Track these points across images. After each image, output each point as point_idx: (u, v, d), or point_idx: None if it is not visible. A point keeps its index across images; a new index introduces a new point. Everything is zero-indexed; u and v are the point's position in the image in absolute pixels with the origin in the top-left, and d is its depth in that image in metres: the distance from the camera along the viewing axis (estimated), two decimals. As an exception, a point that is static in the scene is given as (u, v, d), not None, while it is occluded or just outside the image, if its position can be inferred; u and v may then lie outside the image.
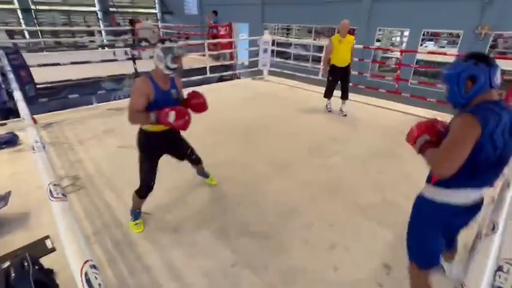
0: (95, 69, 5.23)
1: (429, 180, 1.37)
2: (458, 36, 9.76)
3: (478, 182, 1.24)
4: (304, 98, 5.73)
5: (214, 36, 8.88)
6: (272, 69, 7.31)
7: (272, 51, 7.27)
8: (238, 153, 3.37)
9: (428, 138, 1.30)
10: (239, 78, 8.07)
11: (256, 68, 7.51)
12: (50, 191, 0.81)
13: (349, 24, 4.37)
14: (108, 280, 1.72)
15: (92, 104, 4.86)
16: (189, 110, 1.93)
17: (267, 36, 7.02)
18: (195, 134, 3.28)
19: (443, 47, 13.42)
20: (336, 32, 4.61)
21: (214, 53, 7.76)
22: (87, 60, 5.04)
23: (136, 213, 2.20)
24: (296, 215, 2.35)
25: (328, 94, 4.78)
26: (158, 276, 1.76)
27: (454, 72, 1.25)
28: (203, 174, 2.69)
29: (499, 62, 1.24)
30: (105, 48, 8.96)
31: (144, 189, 2.12)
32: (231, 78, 7.92)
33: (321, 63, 4.87)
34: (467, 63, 1.22)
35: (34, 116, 4.16)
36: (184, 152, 2.33)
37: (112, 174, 2.88)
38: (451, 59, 9.30)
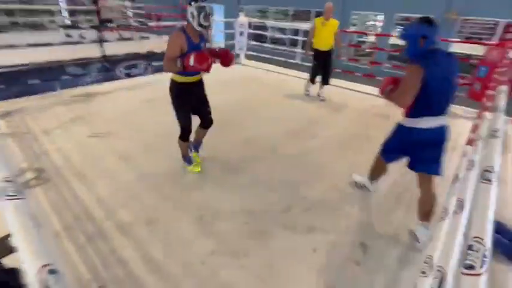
0: (57, 52, 4.81)
1: (404, 115, 1.88)
2: (429, 20, 10.00)
3: (433, 111, 1.74)
4: (282, 83, 5.69)
5: (188, 18, 8.47)
6: (249, 53, 7.16)
7: (249, 34, 7.09)
8: (213, 140, 3.30)
9: (391, 87, 1.83)
10: (215, 62, 7.82)
11: (232, 52, 7.32)
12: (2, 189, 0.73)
13: (333, 7, 4.27)
14: (81, 275, 1.64)
15: (55, 90, 4.51)
16: (214, 59, 2.22)
17: (242, 19, 6.81)
18: (167, 121, 3.17)
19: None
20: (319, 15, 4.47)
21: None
22: (48, 42, 4.63)
23: (188, 159, 2.67)
24: (275, 199, 2.36)
25: (312, 79, 4.70)
26: (135, 269, 1.71)
27: (412, 33, 1.71)
28: (198, 144, 2.79)
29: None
30: (68, 29, 8.26)
31: (185, 134, 2.49)
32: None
33: (305, 47, 4.81)
34: (420, 25, 1.69)
35: (-10, 104, 3.82)
36: (204, 108, 2.55)
37: (82, 166, 2.72)
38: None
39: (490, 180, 0.88)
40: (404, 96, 1.68)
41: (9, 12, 11.72)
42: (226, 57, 2.37)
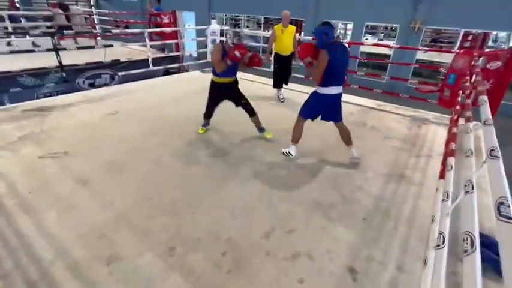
0: (5, 61, 4.31)
1: (318, 85, 2.71)
2: (394, 30, 10.50)
3: (336, 82, 2.66)
4: (256, 91, 5.54)
5: (157, 25, 8.16)
6: (222, 61, 6.96)
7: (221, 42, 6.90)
8: (187, 154, 3.04)
9: (310, 60, 2.68)
10: (188, 71, 7.55)
11: (205, 60, 7.09)
12: None
13: (289, 14, 4.53)
14: None
15: (3, 104, 4.01)
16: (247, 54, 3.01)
17: (214, 26, 6.63)
18: (133, 135, 2.86)
19: (382, 40, 14.48)
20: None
21: (158, 43, 7.09)
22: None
23: (204, 123, 3.59)
24: (254, 221, 2.15)
25: (277, 84, 4.92)
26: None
27: (319, 31, 2.56)
28: (260, 129, 3.46)
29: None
30: (18, 36, 7.53)
31: (207, 116, 3.49)
32: (178, 71, 7.36)
33: (266, 53, 5.06)
34: (323, 26, 2.56)
35: None
36: (238, 100, 3.33)
37: (30, 193, 2.34)
38: (390, 51, 10.01)
39: (510, 218, 0.74)
40: (317, 73, 2.58)
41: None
42: (255, 58, 3.14)
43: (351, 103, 4.94)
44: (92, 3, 18.03)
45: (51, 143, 3.16)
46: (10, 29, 7.25)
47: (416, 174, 2.87)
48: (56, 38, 4.74)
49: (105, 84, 5.66)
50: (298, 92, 5.38)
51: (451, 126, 3.16)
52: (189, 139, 3.40)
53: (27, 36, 7.96)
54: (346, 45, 2.75)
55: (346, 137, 2.95)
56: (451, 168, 1.93)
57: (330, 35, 2.54)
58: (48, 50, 4.19)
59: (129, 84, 5.54)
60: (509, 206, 0.77)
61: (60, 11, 7.84)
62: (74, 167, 2.73)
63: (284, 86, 5.01)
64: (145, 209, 2.23)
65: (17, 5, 14.50)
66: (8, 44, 6.44)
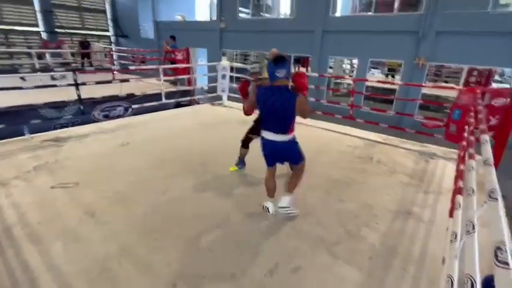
0: (29, 95, 4.62)
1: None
2: (399, 64, 10.82)
3: (269, 128, 2.36)
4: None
5: (172, 61, 8.66)
6: (231, 94, 7.24)
7: (231, 76, 7.24)
8: (195, 187, 3.08)
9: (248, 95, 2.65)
10: (198, 103, 7.85)
11: (215, 94, 7.39)
12: None
13: (277, 51, 4.79)
14: None
15: (23, 135, 4.22)
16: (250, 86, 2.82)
17: (225, 62, 7.00)
18: (140, 167, 2.93)
19: (387, 74, 14.88)
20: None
21: (171, 78, 7.50)
22: (20, 86, 4.43)
23: (239, 161, 3.51)
24: (259, 256, 2.11)
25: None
26: None
27: (268, 67, 2.25)
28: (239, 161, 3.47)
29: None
30: (43, 72, 8.14)
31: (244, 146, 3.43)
32: (189, 103, 7.67)
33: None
34: (271, 62, 2.20)
35: None
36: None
37: (40, 224, 2.39)
38: (396, 87, 10.24)
39: (507, 264, 0.74)
40: (244, 107, 2.59)
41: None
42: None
43: (357, 136, 4.98)
44: (112, 41, 19.44)
45: (63, 173, 3.27)
46: (37, 66, 7.84)
47: (425, 211, 2.81)
48: (76, 73, 5.09)
49: (119, 116, 5.91)
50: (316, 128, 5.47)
51: (458, 162, 3.13)
52: (196, 172, 3.46)
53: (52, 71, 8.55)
54: (291, 93, 2.21)
55: (292, 182, 2.55)
56: (459, 206, 1.90)
57: (271, 74, 2.19)
58: (70, 84, 4.49)
59: (142, 116, 5.78)
60: (506, 251, 0.77)
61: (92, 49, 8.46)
62: (83, 198, 2.79)
63: None
64: (150, 242, 2.23)
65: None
66: (52, 78, 7.01)
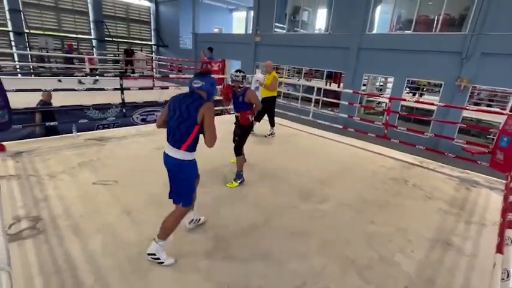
0: (79, 97, 5.03)
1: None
2: (436, 85, 10.34)
3: (168, 137, 2.01)
4: (293, 137, 5.67)
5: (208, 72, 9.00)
6: (263, 106, 7.34)
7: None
8: (224, 193, 3.13)
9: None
10: (230, 113, 8.04)
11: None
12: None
13: (271, 63, 5.43)
14: None
15: (71, 132, 4.58)
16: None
17: (259, 75, 7.13)
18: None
19: (423, 95, 14.26)
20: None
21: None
22: (72, 88, 4.85)
23: (238, 175, 3.41)
24: (286, 272, 2.08)
25: (258, 119, 5.55)
26: None
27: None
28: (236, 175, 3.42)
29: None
30: (94, 77, 8.88)
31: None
32: (221, 112, 7.88)
33: None
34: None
35: (4, 143, 3.85)
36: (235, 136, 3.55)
37: (82, 217, 2.55)
38: (434, 107, 9.77)
39: None
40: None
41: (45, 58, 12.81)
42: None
43: (391, 157, 4.80)
44: (153, 50, 20.68)
45: (104, 171, 3.48)
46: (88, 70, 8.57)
47: (467, 243, 2.61)
48: (122, 79, 5.47)
49: (155, 121, 6.24)
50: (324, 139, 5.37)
51: (506, 193, 2.89)
52: (225, 178, 3.52)
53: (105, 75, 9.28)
54: (201, 99, 1.99)
55: (166, 224, 2.06)
56: (511, 242, 1.75)
57: (189, 84, 2.07)
58: (115, 89, 4.83)
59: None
60: None
61: (135, 57, 9.12)
62: (121, 196, 2.94)
63: (272, 126, 5.60)
64: (180, 246, 2.29)
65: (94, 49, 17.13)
66: (80, 82, 7.70)
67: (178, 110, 1.95)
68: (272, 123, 5.59)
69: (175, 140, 1.96)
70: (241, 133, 3.45)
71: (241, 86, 3.37)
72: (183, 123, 1.93)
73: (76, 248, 2.16)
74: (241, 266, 2.12)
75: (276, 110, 7.31)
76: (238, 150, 3.39)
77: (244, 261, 2.18)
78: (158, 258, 2.03)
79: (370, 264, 2.24)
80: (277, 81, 5.37)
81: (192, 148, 1.98)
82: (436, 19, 10.09)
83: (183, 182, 2.03)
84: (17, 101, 4.33)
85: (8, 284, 1.07)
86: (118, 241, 2.28)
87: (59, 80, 8.10)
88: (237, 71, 3.35)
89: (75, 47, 15.37)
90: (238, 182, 3.36)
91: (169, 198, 2.11)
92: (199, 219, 2.57)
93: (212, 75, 2.24)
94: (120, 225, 2.48)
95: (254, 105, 3.38)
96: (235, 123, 3.65)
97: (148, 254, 2.04)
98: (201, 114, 1.91)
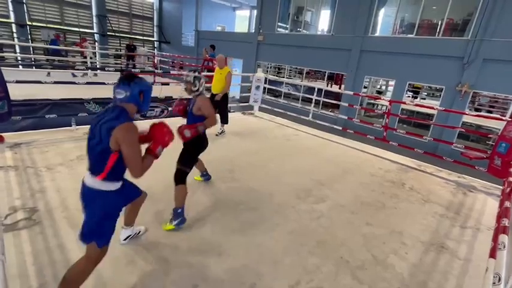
0: (79, 90, 5.03)
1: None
2: (437, 89, 10.35)
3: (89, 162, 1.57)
4: (292, 137, 5.68)
5: (209, 69, 9.01)
6: (262, 105, 7.34)
7: (264, 88, 7.36)
8: (222, 191, 3.13)
9: None
10: (230, 111, 8.04)
11: (246, 103, 7.54)
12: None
13: (223, 57, 5.04)
14: None
15: (70, 125, 4.57)
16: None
17: (260, 74, 7.14)
18: (168, 166, 3.04)
19: (424, 99, 14.27)
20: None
21: (208, 85, 7.78)
22: (73, 81, 4.85)
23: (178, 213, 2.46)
24: (280, 271, 2.09)
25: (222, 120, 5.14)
26: None
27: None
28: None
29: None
30: (95, 71, 8.89)
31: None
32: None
33: None
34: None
35: (3, 134, 3.85)
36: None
37: (78, 209, 2.54)
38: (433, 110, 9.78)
39: None
40: None
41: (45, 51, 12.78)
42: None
43: (389, 160, 4.80)
44: (155, 46, 20.66)
45: (102, 164, 3.48)
46: (89, 64, 8.58)
47: (461, 247, 2.62)
48: (123, 73, 5.47)
49: (155, 117, 6.23)
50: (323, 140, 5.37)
51: (503, 198, 2.90)
52: (224, 178, 3.52)
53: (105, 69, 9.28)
54: (120, 117, 1.52)
55: (68, 277, 1.56)
56: (504, 247, 1.76)
57: (113, 93, 1.63)
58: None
59: (175, 118, 6.03)
60: None
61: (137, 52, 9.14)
62: (118, 190, 2.94)
63: (224, 124, 5.21)
64: (175, 242, 2.29)
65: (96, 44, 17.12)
66: (73, 75, 7.76)
67: (93, 130, 1.51)
68: (225, 121, 5.21)
69: (91, 163, 1.56)
70: (182, 153, 2.56)
71: (194, 89, 2.54)
72: (94, 149, 1.51)
73: (71, 240, 2.16)
74: (236, 263, 2.13)
75: (276, 109, 7.34)
76: (178, 177, 2.45)
77: (239, 259, 2.18)
78: None
79: (364, 265, 2.25)
80: (231, 76, 5.01)
81: (112, 177, 1.57)
82: (439, 23, 10.10)
83: (93, 210, 1.58)
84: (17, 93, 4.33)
85: (0, 273, 1.07)
86: (114, 234, 2.28)
87: (48, 74, 8.11)
88: (191, 71, 2.61)
89: (61, 38, 15.13)
90: (175, 223, 2.41)
91: (80, 239, 1.58)
92: (139, 231, 2.28)
93: (143, 78, 1.67)
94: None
95: (207, 118, 2.48)
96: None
97: None
98: (113, 139, 1.45)
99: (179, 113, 2.71)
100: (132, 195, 1.92)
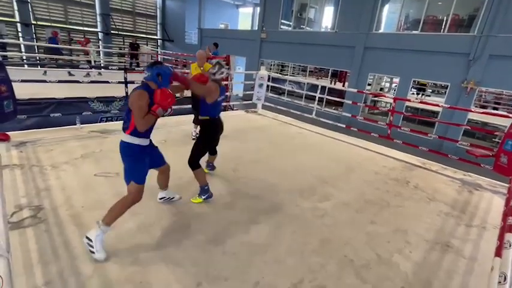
0: (83, 89, 5.05)
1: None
2: (442, 87, 10.23)
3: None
4: (296, 135, 5.66)
5: (212, 67, 8.98)
6: (266, 103, 7.32)
7: (267, 86, 7.34)
8: (226, 190, 3.14)
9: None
10: (233, 109, 8.04)
11: (250, 101, 7.52)
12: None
13: (203, 53, 4.72)
14: None
15: (75, 124, 4.60)
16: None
17: (263, 72, 7.12)
18: (175, 162, 3.04)
19: (429, 96, 14.12)
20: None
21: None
22: (77, 79, 4.87)
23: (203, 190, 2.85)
24: (283, 269, 2.09)
25: (194, 119, 4.72)
26: None
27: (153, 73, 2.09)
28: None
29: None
30: (99, 69, 8.93)
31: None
32: (224, 109, 7.88)
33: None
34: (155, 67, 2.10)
35: (8, 133, 3.89)
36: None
37: (82, 207, 2.58)
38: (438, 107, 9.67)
39: None
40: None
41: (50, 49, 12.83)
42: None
43: (394, 158, 4.77)
44: (158, 44, 20.69)
45: (106, 163, 3.50)
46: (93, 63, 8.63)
47: (466, 246, 2.60)
48: (126, 72, 5.48)
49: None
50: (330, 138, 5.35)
51: (509, 197, 2.87)
52: (227, 176, 3.53)
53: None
54: (140, 86, 2.10)
55: (112, 208, 2.14)
56: (510, 246, 1.73)
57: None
58: (120, 82, 4.85)
59: (177, 117, 6.04)
60: None
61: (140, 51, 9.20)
62: (122, 189, 2.94)
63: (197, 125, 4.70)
64: (179, 238, 2.30)
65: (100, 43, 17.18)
66: (69, 73, 7.86)
67: (127, 98, 2.11)
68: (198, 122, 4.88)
69: (123, 125, 2.14)
70: (196, 141, 2.91)
71: (212, 71, 2.78)
72: (126, 110, 2.12)
73: (76, 237, 2.18)
74: (239, 261, 2.13)
75: (279, 107, 7.31)
76: (191, 163, 2.81)
77: (242, 256, 2.19)
78: (92, 247, 1.96)
79: (368, 264, 2.24)
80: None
81: (136, 133, 2.08)
82: (444, 19, 9.97)
83: (124, 158, 2.17)
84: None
85: (6, 270, 1.08)
86: (117, 232, 2.29)
87: (44, 73, 8.18)
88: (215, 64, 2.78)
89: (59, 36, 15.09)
90: (204, 197, 2.84)
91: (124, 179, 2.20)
92: (173, 197, 2.75)
93: (164, 64, 2.19)
94: (120, 217, 2.49)
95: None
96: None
97: (86, 238, 1.99)
98: (130, 100, 2.06)
99: (198, 81, 2.79)
100: (157, 160, 2.43)
